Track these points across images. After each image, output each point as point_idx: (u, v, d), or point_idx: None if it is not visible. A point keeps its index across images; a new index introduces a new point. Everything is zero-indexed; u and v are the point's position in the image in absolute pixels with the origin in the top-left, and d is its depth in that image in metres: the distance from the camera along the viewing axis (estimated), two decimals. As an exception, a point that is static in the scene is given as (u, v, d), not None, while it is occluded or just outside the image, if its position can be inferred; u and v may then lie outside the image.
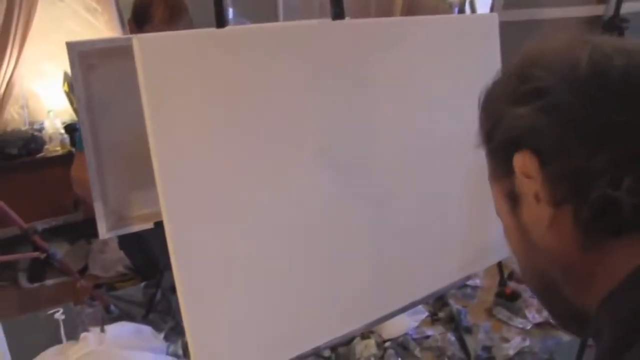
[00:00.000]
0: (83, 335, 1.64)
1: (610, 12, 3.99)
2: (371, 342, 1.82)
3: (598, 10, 4.46)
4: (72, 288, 3.01)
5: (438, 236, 1.59)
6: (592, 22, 4.09)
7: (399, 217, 1.49)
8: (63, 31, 4.05)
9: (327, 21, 1.33)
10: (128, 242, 2.53)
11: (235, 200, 1.19)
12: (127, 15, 3.96)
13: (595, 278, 0.73)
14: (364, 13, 4.25)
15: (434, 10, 4.10)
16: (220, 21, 1.21)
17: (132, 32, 2.16)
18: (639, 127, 0.67)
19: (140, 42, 1.01)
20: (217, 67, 1.13)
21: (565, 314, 0.84)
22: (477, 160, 1.67)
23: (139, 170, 1.76)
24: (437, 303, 1.91)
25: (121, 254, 2.94)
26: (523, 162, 0.75)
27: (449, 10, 4.11)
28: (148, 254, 2.36)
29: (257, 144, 1.21)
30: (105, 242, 3.95)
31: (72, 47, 1.58)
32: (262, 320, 1.28)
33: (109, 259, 3.90)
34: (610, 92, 0.69)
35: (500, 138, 0.79)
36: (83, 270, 3.98)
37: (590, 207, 0.70)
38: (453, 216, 1.61)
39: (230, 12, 3.71)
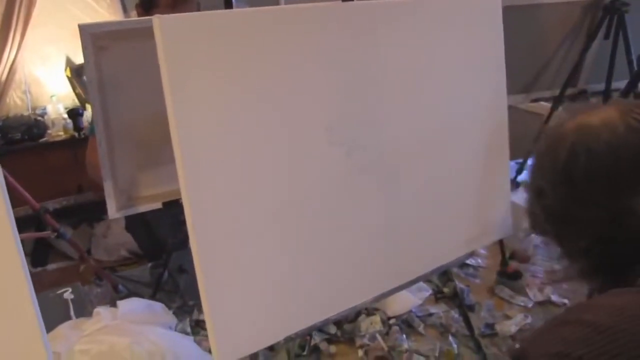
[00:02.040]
0: (96, 310, 1.67)
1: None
2: (376, 318, 1.86)
3: (599, -7, 4.45)
4: (75, 271, 3.03)
5: (443, 212, 1.62)
6: (593, 6, 4.09)
7: (404, 193, 1.52)
8: (65, 16, 4.04)
9: (337, 2, 1.36)
10: (135, 224, 2.56)
11: (250, 177, 1.22)
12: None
13: None
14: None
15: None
16: (229, 5, 1.25)
17: (139, 16, 2.18)
18: (596, 219, 0.93)
19: (161, 22, 1.04)
20: (231, 47, 1.16)
21: None
22: (482, 139, 1.71)
23: (149, 151, 1.80)
24: (442, 278, 1.94)
25: (125, 237, 2.97)
26: None
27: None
28: (155, 235, 2.39)
29: (272, 122, 1.24)
30: (108, 226, 3.98)
31: (84, 29, 1.61)
32: (272, 294, 1.31)
33: (112, 242, 3.92)
34: (573, 190, 0.95)
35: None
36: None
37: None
38: (458, 193, 1.64)
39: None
